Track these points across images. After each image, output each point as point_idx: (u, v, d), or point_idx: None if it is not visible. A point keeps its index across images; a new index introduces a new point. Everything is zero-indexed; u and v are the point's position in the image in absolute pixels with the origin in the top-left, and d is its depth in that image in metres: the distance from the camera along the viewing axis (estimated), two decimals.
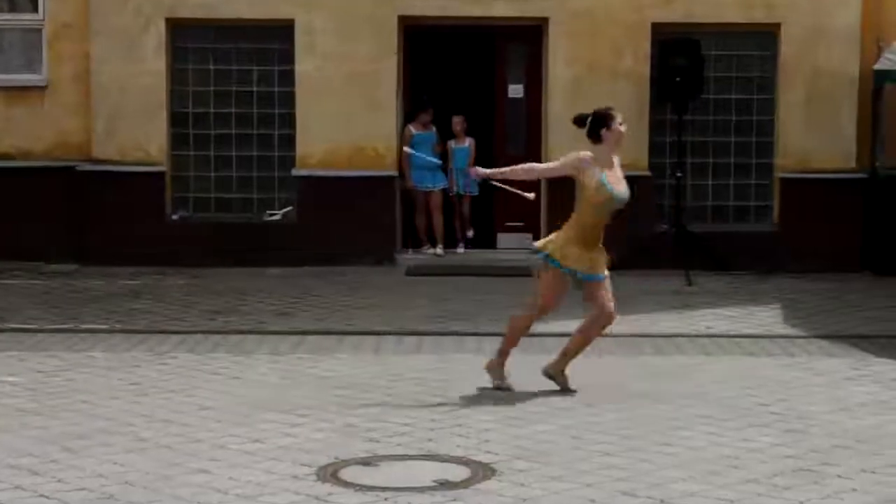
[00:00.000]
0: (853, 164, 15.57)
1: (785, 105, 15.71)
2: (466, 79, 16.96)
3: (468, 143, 16.02)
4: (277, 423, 8.28)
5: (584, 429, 8.24)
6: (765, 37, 15.80)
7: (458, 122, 16.02)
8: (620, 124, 9.34)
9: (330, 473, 7.21)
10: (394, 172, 15.64)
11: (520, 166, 9.77)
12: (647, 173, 15.57)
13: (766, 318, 12.49)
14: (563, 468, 7.33)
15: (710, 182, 15.94)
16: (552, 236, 9.37)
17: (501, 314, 12.34)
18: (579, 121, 9.39)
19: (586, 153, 9.23)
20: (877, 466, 7.41)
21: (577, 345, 9.40)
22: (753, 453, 7.68)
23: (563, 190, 15.39)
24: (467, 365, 10.24)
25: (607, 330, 9.48)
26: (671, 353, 10.90)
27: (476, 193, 16.02)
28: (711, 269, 14.93)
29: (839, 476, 7.22)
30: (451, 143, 16.01)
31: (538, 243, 9.46)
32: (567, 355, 9.40)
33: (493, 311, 12.57)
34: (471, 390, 9.31)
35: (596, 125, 9.26)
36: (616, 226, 14.87)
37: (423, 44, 16.12)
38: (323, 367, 10.13)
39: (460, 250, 15.90)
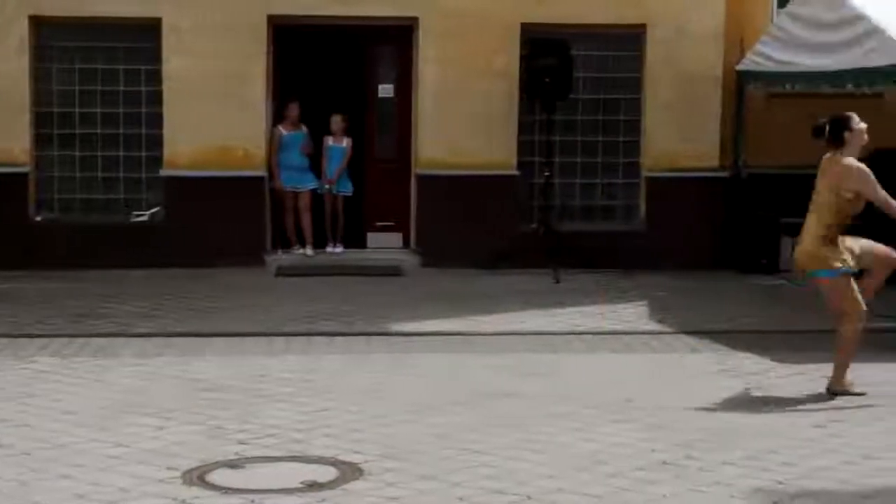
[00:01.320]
0: (717, 164, 15.84)
1: (651, 105, 15.92)
2: (337, 79, 16.89)
3: (346, 142, 15.96)
4: (143, 427, 8.18)
5: (453, 427, 8.27)
6: (631, 38, 15.98)
7: (337, 121, 15.93)
8: (858, 123, 9.54)
9: (196, 476, 7.15)
10: (263, 173, 15.52)
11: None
12: (516, 172, 15.68)
13: (633, 315, 12.66)
14: (431, 467, 7.35)
15: (578, 181, 16.10)
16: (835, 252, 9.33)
17: (371, 313, 12.41)
18: (818, 130, 9.56)
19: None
20: (737, 459, 7.56)
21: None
22: (618, 448, 7.79)
23: (432, 190, 15.54)
24: (336, 365, 10.22)
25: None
26: (539, 350, 10.98)
27: (350, 193, 15.97)
28: (579, 268, 15.07)
29: (701, 469, 7.35)
30: (329, 141, 15.90)
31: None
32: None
33: (363, 310, 12.58)
34: (339, 391, 9.29)
35: (837, 129, 9.47)
36: (485, 226, 15.20)
37: (293, 44, 16.02)
38: (190, 369, 10.02)
39: (329, 250, 15.85)
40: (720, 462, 7.49)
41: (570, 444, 7.91)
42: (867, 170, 9.47)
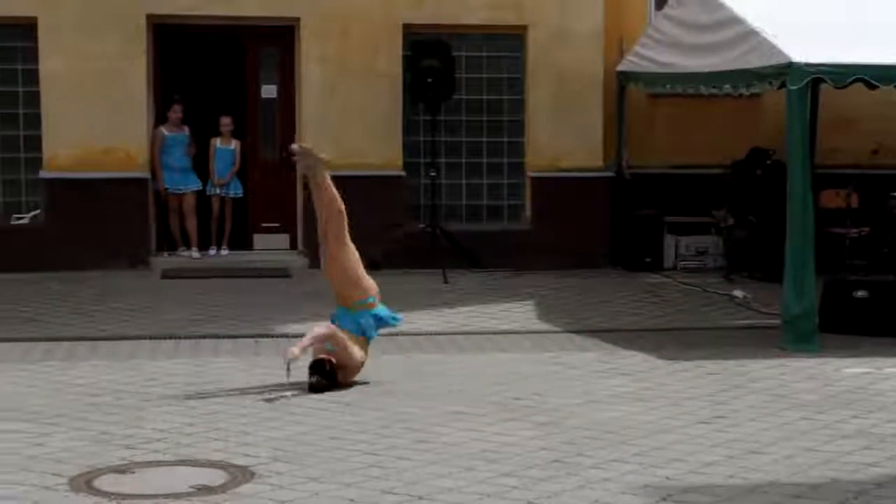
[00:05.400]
0: (601, 163, 16.01)
1: (534, 105, 16.04)
2: (220, 79, 16.78)
3: (234, 144, 15.82)
4: (27, 433, 8.03)
5: (344, 428, 8.25)
6: (513, 39, 16.09)
7: (226, 123, 15.80)
8: None
9: (84, 482, 7.03)
10: (146, 174, 15.33)
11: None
12: (402, 173, 15.70)
13: (521, 314, 12.73)
14: (322, 469, 7.32)
15: (463, 181, 16.16)
16: None
17: (257, 315, 12.33)
18: None
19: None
20: (627, 456, 7.63)
21: None
22: (509, 447, 7.82)
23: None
24: (224, 368, 10.13)
25: None
26: (429, 350, 11.00)
27: (241, 195, 15.85)
28: (467, 268, 15.15)
29: (592, 467, 7.41)
30: (216, 142, 15.77)
31: None
32: None
33: (250, 312, 12.49)
34: (228, 393, 9.21)
35: None
36: (372, 226, 15.18)
37: (174, 43, 15.86)
38: (75, 373, 9.86)
39: (212, 252, 15.70)
40: (610, 459, 7.56)
41: (461, 443, 7.92)
42: None
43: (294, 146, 10.17)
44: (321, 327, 9.39)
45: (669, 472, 7.32)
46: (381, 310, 9.69)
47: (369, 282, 9.72)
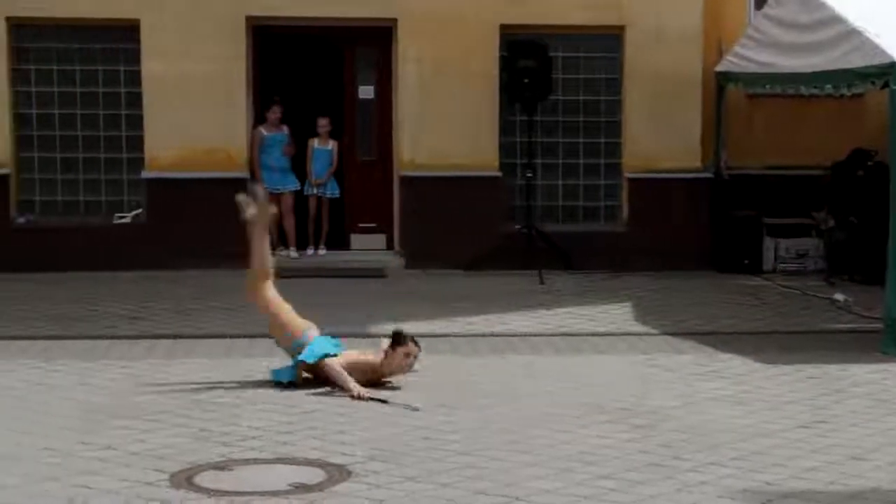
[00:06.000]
0: (699, 164, 15.88)
1: (631, 106, 15.95)
2: (317, 80, 16.90)
3: (331, 145, 15.95)
4: (130, 430, 8.15)
5: (438, 429, 8.27)
6: (610, 39, 16.02)
7: (323, 124, 15.93)
8: None
9: (184, 479, 7.13)
10: (245, 174, 15.49)
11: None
12: (498, 174, 15.69)
13: (617, 316, 12.67)
14: (418, 468, 7.35)
15: (560, 182, 16.12)
16: None
17: (354, 315, 12.39)
18: None
19: None
20: (725, 460, 7.57)
21: None
22: (606, 449, 7.79)
23: (415, 192, 15.54)
24: None
25: None
26: (524, 351, 10.99)
27: (338, 195, 15.96)
28: (563, 269, 15.12)
29: (689, 470, 7.36)
30: (314, 143, 15.90)
31: None
32: None
33: (347, 312, 12.55)
34: (324, 393, 9.27)
35: None
36: (468, 227, 15.21)
37: (273, 45, 16.01)
38: (175, 371, 9.99)
39: (310, 252, 15.82)
40: (708, 463, 7.50)
41: (557, 444, 7.91)
42: None
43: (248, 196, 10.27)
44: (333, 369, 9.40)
45: (769, 476, 7.24)
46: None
47: (297, 323, 9.73)
